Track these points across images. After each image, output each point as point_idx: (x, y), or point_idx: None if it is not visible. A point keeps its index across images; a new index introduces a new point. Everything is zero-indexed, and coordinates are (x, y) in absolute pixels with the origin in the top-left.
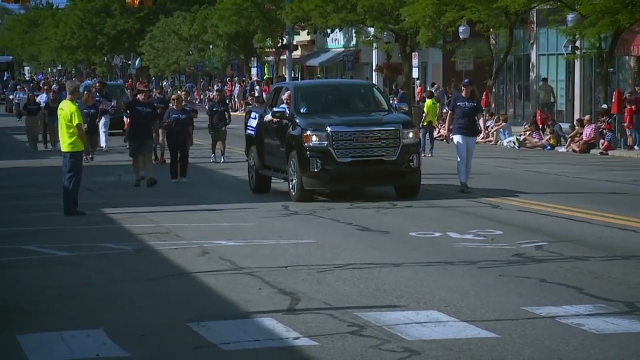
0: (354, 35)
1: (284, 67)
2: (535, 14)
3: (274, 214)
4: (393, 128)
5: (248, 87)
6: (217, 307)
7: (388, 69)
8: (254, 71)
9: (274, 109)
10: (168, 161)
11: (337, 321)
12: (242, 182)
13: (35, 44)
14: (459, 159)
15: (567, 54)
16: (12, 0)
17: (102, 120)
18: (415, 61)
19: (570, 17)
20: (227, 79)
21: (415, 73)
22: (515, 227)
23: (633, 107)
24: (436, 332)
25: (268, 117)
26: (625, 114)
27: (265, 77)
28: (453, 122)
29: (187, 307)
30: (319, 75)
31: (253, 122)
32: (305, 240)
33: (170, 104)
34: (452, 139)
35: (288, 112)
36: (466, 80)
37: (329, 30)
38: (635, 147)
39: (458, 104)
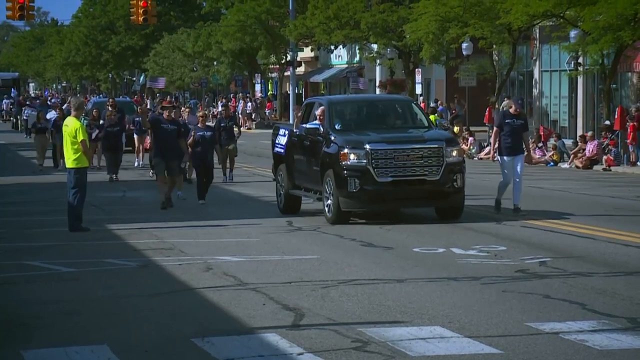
0: (357, 51)
1: (287, 84)
2: (538, 30)
3: (278, 230)
4: (436, 145)
5: (253, 104)
6: (221, 322)
7: (392, 85)
8: (257, 87)
9: (307, 126)
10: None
11: (341, 337)
12: (246, 199)
13: (40, 60)
14: (502, 179)
15: (569, 70)
16: (17, 17)
17: None
18: (418, 77)
19: (573, 33)
20: (232, 95)
21: (418, 89)
22: (518, 243)
23: (636, 123)
24: (440, 347)
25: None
26: (629, 130)
27: (269, 94)
28: (500, 141)
29: (191, 322)
30: (323, 92)
31: (282, 140)
32: (309, 256)
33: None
34: (497, 158)
35: (322, 128)
36: (515, 99)
37: (332, 47)
38: (638, 163)
39: (507, 121)
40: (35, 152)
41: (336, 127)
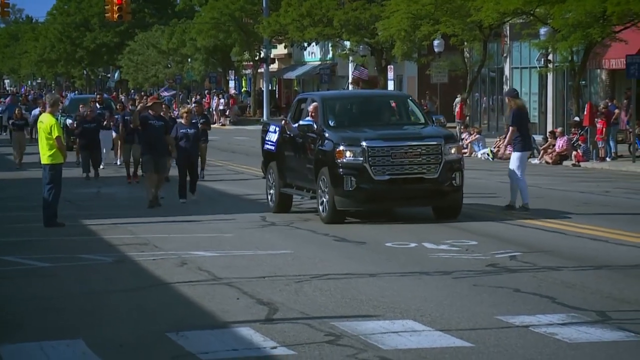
0: (330, 48)
1: (261, 80)
2: (508, 28)
3: (251, 225)
4: (434, 143)
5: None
6: (196, 317)
7: (364, 82)
8: (231, 84)
9: (300, 123)
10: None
11: (314, 331)
12: (219, 194)
13: (15, 57)
14: (521, 177)
15: (540, 67)
16: None
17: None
18: (390, 74)
19: (542, 31)
20: (206, 92)
21: (390, 86)
22: (489, 237)
23: (605, 119)
24: (412, 341)
25: (295, 132)
26: (599, 126)
27: (243, 90)
28: (514, 139)
29: (165, 317)
30: (296, 89)
31: (272, 137)
32: (282, 250)
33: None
34: (508, 154)
35: (315, 125)
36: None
37: (305, 44)
38: (607, 158)
39: (522, 120)
40: (13, 149)
41: (330, 123)
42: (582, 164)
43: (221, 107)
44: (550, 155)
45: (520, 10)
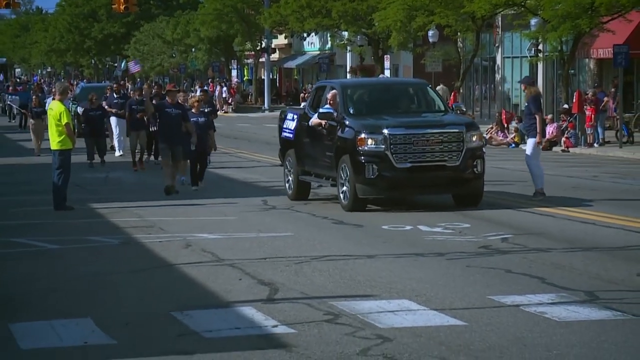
0: (329, 38)
1: (262, 69)
2: (500, 18)
3: (253, 209)
4: (456, 130)
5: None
6: (200, 297)
7: (361, 70)
8: (234, 73)
9: (321, 111)
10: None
11: (314, 310)
12: (222, 179)
13: (25, 47)
14: (537, 163)
15: (530, 56)
16: (3, 6)
17: (114, 124)
18: (387, 63)
19: (533, 21)
20: (209, 80)
21: (387, 75)
22: (481, 220)
23: (594, 106)
24: (407, 320)
25: (314, 120)
26: (588, 113)
27: (245, 79)
28: (529, 125)
29: (170, 297)
30: (296, 77)
31: (290, 124)
32: (283, 233)
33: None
34: (528, 142)
35: (336, 113)
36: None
37: (305, 34)
38: (595, 144)
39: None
40: (33, 138)
41: (350, 111)
42: (571, 149)
43: (224, 95)
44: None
45: (511, 2)
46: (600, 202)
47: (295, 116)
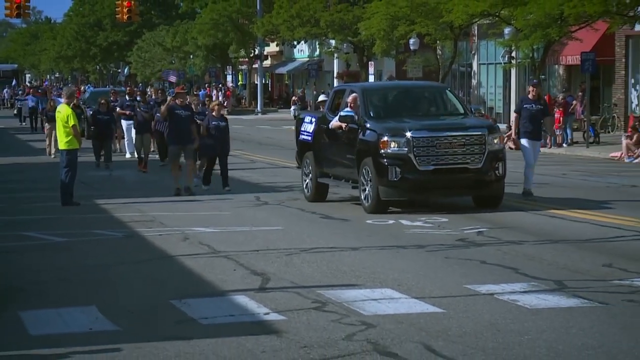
0: (317, 46)
1: (255, 75)
2: (476, 28)
3: (246, 204)
4: (479, 133)
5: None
6: (197, 286)
7: (348, 76)
8: (229, 78)
9: (342, 114)
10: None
11: (303, 298)
12: (216, 177)
13: (35, 54)
14: (526, 165)
15: (504, 63)
16: (14, 15)
17: (126, 126)
18: (371, 69)
19: (507, 30)
20: (207, 85)
21: (371, 80)
22: (459, 215)
23: (562, 109)
24: (390, 307)
25: (335, 122)
26: (557, 116)
27: (239, 83)
28: (520, 126)
29: (170, 286)
30: (287, 82)
31: (308, 127)
32: (274, 227)
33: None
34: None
35: (357, 116)
36: (535, 81)
37: (295, 42)
38: (564, 144)
39: (525, 106)
40: (47, 140)
41: (371, 114)
42: (541, 149)
43: (220, 99)
44: (513, 141)
45: (486, 12)
46: (568, 199)
47: (314, 119)
